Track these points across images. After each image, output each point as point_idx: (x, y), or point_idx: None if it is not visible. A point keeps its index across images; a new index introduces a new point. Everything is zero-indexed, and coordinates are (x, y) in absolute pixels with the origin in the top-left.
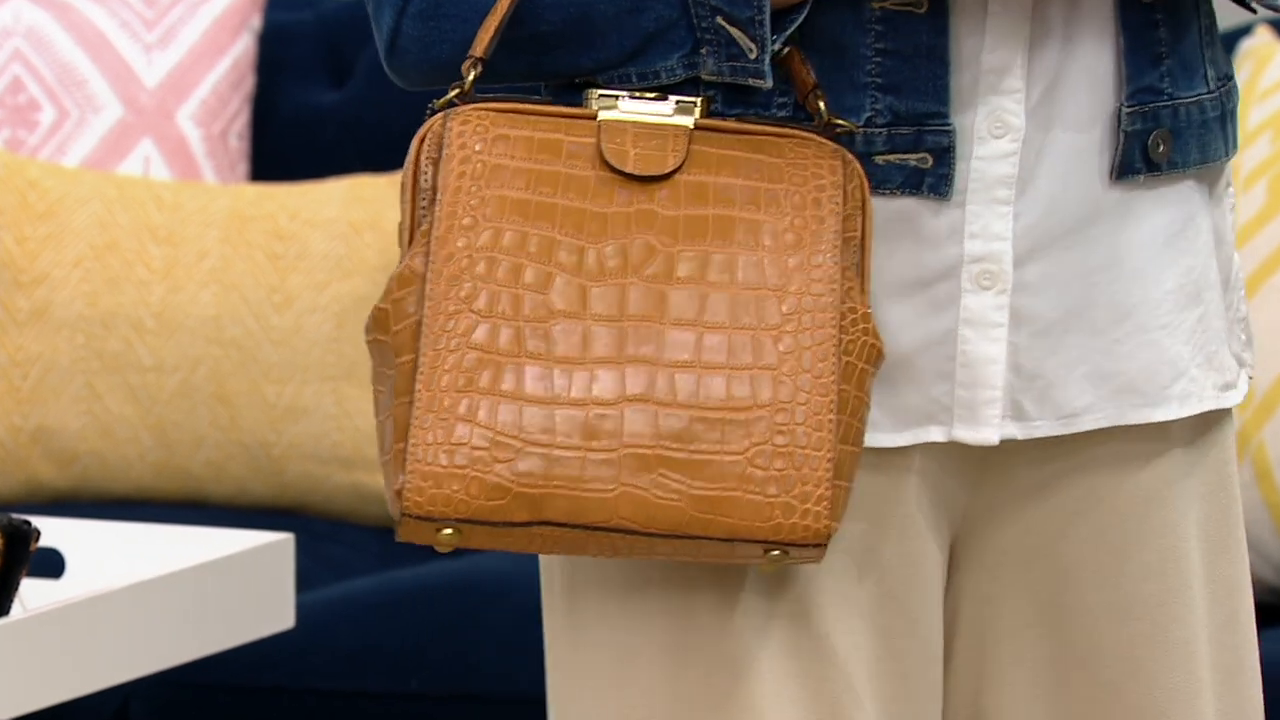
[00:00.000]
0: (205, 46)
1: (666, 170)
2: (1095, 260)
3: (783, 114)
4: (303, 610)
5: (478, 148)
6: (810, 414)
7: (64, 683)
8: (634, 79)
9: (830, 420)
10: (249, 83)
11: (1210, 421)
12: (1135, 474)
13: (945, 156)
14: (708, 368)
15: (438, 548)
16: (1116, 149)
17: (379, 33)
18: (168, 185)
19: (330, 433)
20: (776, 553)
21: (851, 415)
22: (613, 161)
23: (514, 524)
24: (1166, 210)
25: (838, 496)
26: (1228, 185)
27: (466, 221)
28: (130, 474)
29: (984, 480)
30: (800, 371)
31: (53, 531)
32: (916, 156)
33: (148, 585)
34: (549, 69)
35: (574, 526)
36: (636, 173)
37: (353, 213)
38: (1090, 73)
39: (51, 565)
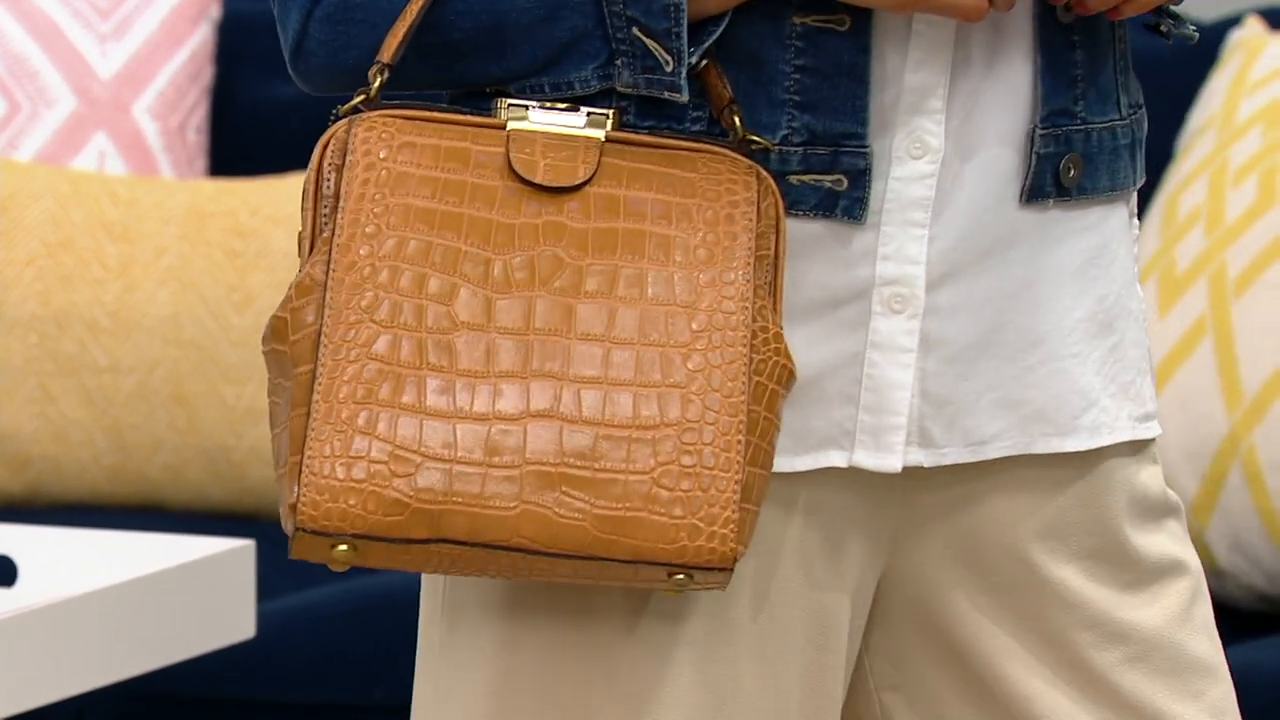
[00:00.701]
0: (162, 37)
1: (577, 182)
2: (1008, 286)
3: (697, 128)
4: (264, 619)
5: (382, 154)
6: (719, 434)
7: (16, 695)
8: (546, 89)
9: (739, 441)
10: (207, 74)
11: (1132, 450)
12: (1041, 503)
13: (860, 179)
14: (615, 384)
15: (332, 566)
16: (1027, 172)
17: (284, 35)
18: (123, 180)
19: None
20: (681, 576)
21: (761, 437)
22: (521, 172)
23: (412, 540)
24: (1080, 237)
25: (745, 520)
26: (1132, 215)
27: (370, 229)
28: (85, 479)
29: (887, 506)
30: (709, 390)
31: (4, 538)
32: (831, 178)
33: (103, 594)
34: (458, 77)
35: (473, 545)
36: (546, 184)
37: None
38: (1010, 94)
39: (3, 573)
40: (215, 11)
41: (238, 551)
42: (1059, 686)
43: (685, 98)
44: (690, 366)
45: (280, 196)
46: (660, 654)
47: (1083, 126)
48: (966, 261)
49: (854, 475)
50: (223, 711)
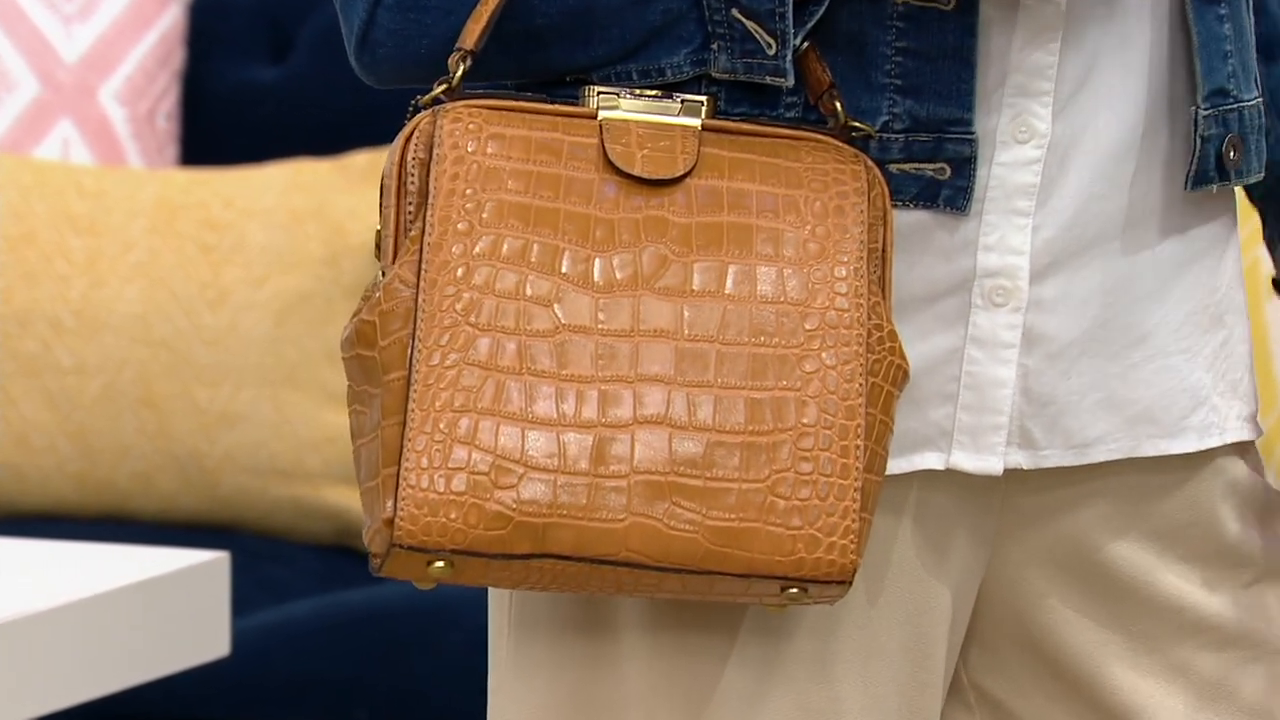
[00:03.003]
0: (130, 18)
1: (677, 174)
2: (1113, 278)
3: (792, 115)
4: (238, 636)
5: (471, 147)
6: (837, 439)
7: None
8: (634, 76)
9: (858, 446)
10: (178, 57)
11: (1239, 452)
12: (1148, 506)
13: (965, 167)
14: (726, 388)
15: (419, 584)
16: (1192, 156)
17: (348, 24)
18: (89, 170)
19: (268, 442)
20: (794, 590)
21: (876, 442)
22: (619, 163)
23: (514, 556)
24: (1200, 225)
25: (863, 530)
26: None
27: (462, 227)
28: (48, 487)
29: (987, 511)
30: (826, 393)
31: None
32: (934, 166)
33: (67, 610)
34: (540, 66)
35: (579, 560)
36: (645, 176)
37: (294, 200)
38: (1127, 74)
39: None
40: None
41: (211, 565)
42: (1174, 694)
43: (790, 82)
44: (805, 369)
45: (256, 187)
46: (758, 674)
47: (1236, 105)
48: (1071, 252)
49: (954, 477)
50: None
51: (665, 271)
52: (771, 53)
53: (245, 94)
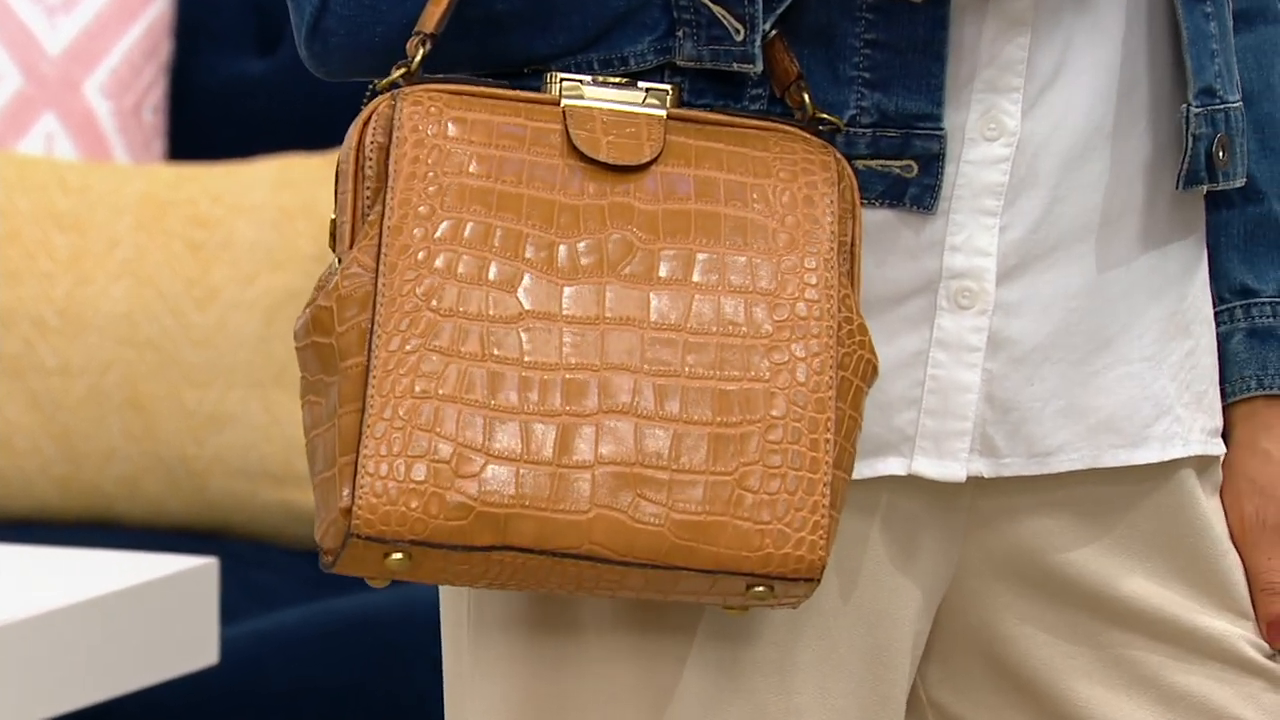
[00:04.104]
0: (115, 9)
1: (643, 160)
2: (1079, 282)
3: (756, 106)
4: (227, 644)
5: (431, 131)
6: (806, 432)
7: None
8: (595, 65)
9: (828, 440)
10: (165, 50)
11: (1200, 467)
12: (1111, 517)
13: (932, 165)
14: (694, 378)
15: (375, 581)
16: (1184, 155)
17: (298, 12)
18: (74, 166)
19: (258, 444)
20: (761, 589)
21: (845, 438)
22: (584, 149)
23: (474, 548)
24: (1168, 232)
25: (831, 527)
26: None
27: (423, 210)
28: (31, 491)
29: (954, 512)
30: (795, 385)
31: None
32: (901, 164)
33: (51, 617)
34: (499, 54)
35: (541, 553)
36: (610, 162)
37: (283, 197)
38: (1099, 71)
39: None
40: None
41: (199, 571)
42: (1143, 706)
43: (759, 69)
44: (774, 360)
45: (244, 183)
46: (717, 680)
47: (1223, 106)
48: (1037, 254)
49: (921, 482)
50: None
51: (632, 259)
52: (739, 39)
53: (234, 87)
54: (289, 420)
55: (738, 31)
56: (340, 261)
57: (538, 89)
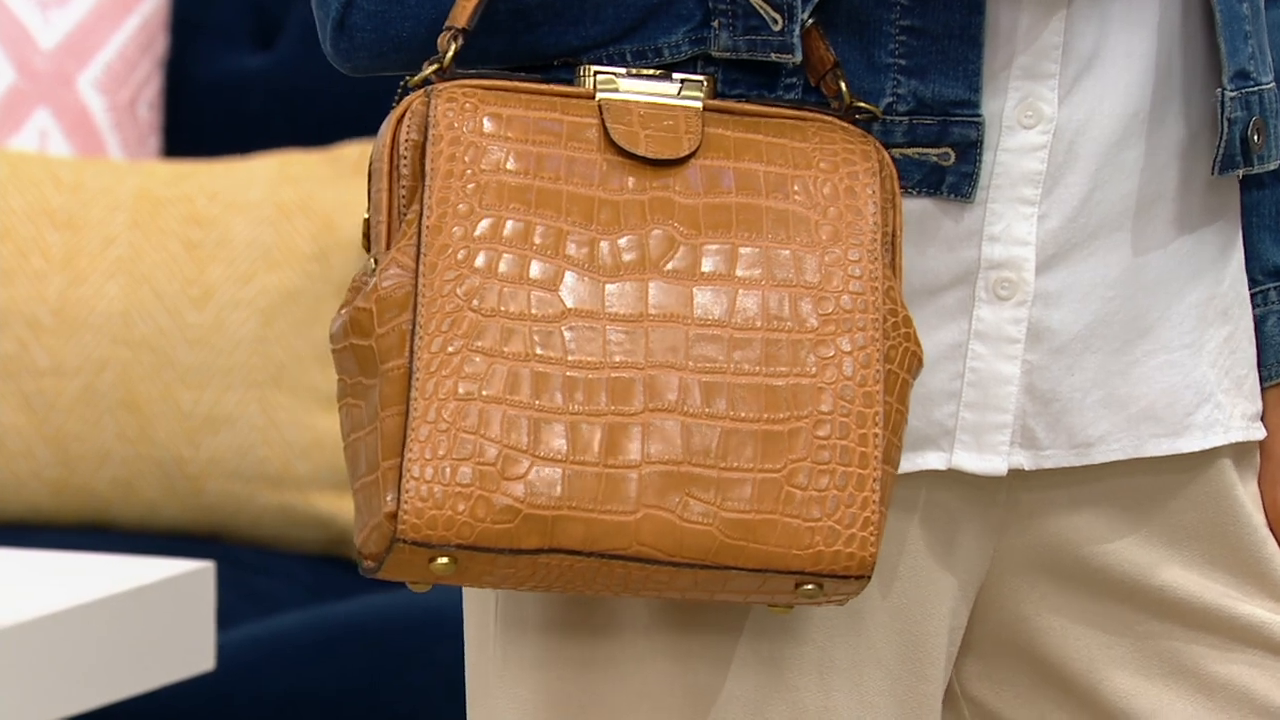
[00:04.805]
0: (110, 3)
1: (682, 154)
2: (1118, 270)
3: (791, 96)
4: (224, 650)
5: (468, 127)
6: (855, 428)
7: None
8: (628, 58)
9: (876, 435)
10: (161, 44)
11: (1239, 454)
12: (1152, 507)
13: (970, 152)
14: (740, 374)
15: (415, 586)
16: (1219, 140)
17: (323, 8)
18: (67, 162)
19: (255, 446)
20: (810, 587)
21: (893, 432)
22: (622, 143)
23: (521, 551)
24: (1203, 216)
25: (880, 522)
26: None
27: (462, 209)
28: (24, 493)
29: (992, 507)
30: (843, 380)
31: None
32: (938, 151)
33: (45, 622)
34: (528, 48)
35: (589, 555)
36: (650, 156)
37: (281, 194)
38: (1133, 57)
39: None
40: None
41: (195, 575)
42: (1182, 696)
43: (798, 59)
44: (821, 354)
45: (242, 180)
46: (757, 680)
47: (1256, 88)
48: (1076, 243)
49: (960, 476)
50: None
51: (674, 254)
52: (777, 29)
53: (231, 82)
54: (287, 422)
55: (775, 21)
56: (376, 262)
57: (568, 82)
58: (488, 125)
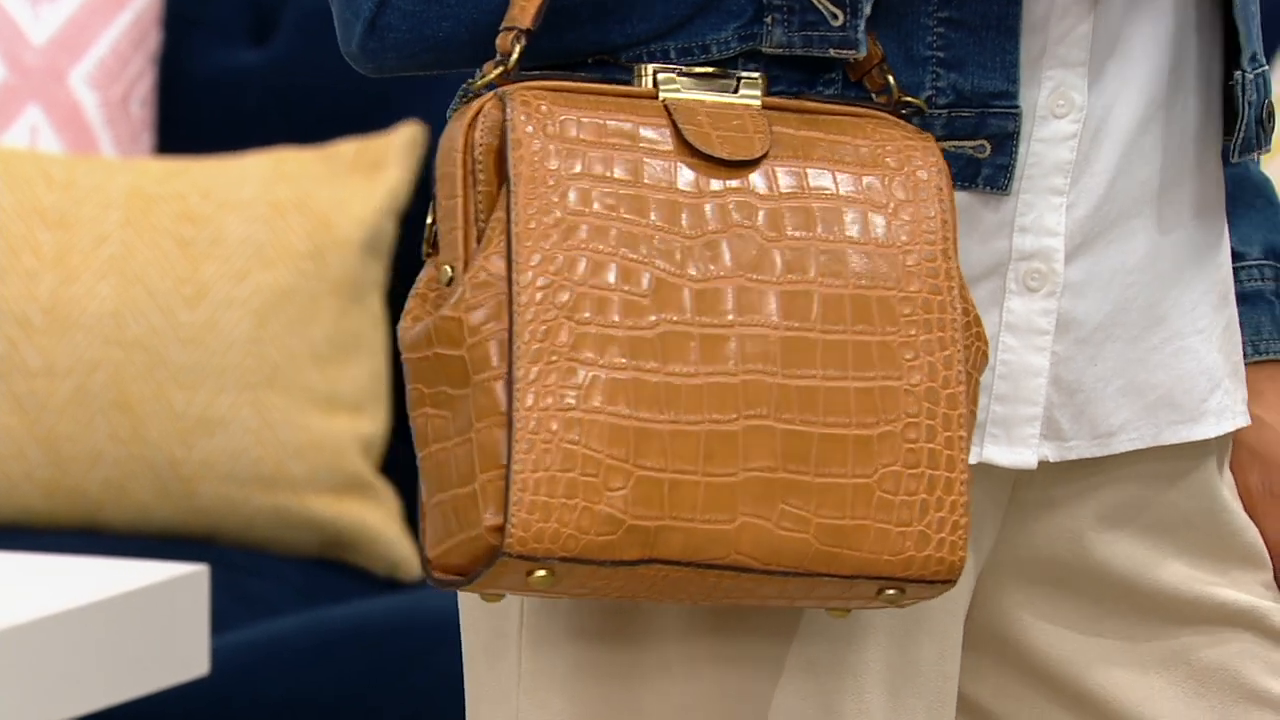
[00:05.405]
0: None
1: (756, 155)
2: (1134, 257)
3: (830, 91)
4: (218, 654)
5: (548, 131)
6: (941, 430)
7: None
8: (672, 54)
9: (962, 437)
10: (154, 39)
11: (1220, 440)
12: (1154, 497)
13: (1006, 144)
14: (830, 379)
15: (488, 597)
16: (1239, 123)
17: (351, 6)
18: (59, 159)
19: (249, 448)
20: (892, 592)
21: (969, 433)
22: (698, 145)
23: (622, 562)
24: (1206, 201)
25: (968, 526)
26: None
27: (553, 217)
28: (15, 495)
29: (999, 505)
30: (927, 383)
31: None
32: (974, 144)
33: (36, 626)
34: (572, 45)
35: (687, 564)
36: (727, 158)
37: (276, 192)
38: (1149, 42)
39: None
40: None
41: (189, 578)
42: (1174, 683)
43: (863, 53)
44: (906, 357)
45: (236, 178)
46: (796, 684)
47: (1261, 69)
48: (1098, 231)
49: (983, 470)
50: None
51: (756, 258)
52: (836, 24)
53: (225, 78)
54: (281, 423)
55: (834, 16)
56: (451, 269)
57: (620, 80)
58: (567, 129)
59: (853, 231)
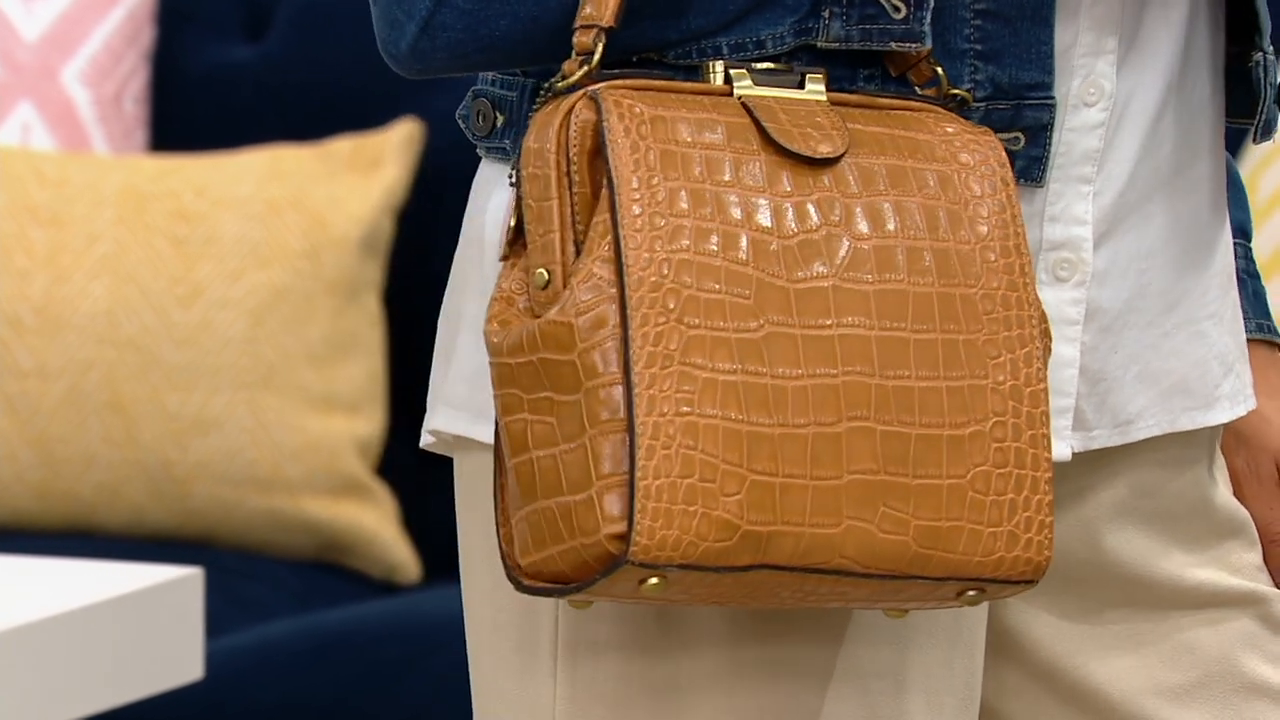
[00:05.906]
0: None
1: (839, 151)
2: (1149, 243)
3: (872, 86)
4: (212, 658)
5: (644, 133)
6: (1026, 429)
7: None
8: (724, 50)
9: (1045, 436)
10: (147, 36)
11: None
12: (1159, 485)
13: (1040, 135)
14: (923, 379)
15: (575, 604)
16: (1261, 105)
17: (403, 6)
18: (51, 157)
19: (244, 449)
20: (974, 592)
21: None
22: (784, 142)
23: (734, 568)
24: (1213, 185)
25: (1053, 525)
26: None
27: (659, 223)
28: (7, 497)
29: None
30: (1010, 380)
31: None
32: (1009, 136)
33: (28, 629)
34: (626, 42)
35: (794, 569)
36: (814, 155)
37: (271, 190)
38: (1166, 26)
39: None
40: None
41: (183, 581)
42: (1177, 673)
43: (929, 46)
44: (990, 356)
45: (230, 175)
46: (834, 686)
47: (1274, 51)
48: (1121, 217)
49: None
50: None
51: (849, 257)
52: (899, 16)
53: (219, 75)
54: (277, 424)
55: (897, 10)
56: (547, 274)
57: (688, 76)
58: (662, 130)
59: (931, 229)
